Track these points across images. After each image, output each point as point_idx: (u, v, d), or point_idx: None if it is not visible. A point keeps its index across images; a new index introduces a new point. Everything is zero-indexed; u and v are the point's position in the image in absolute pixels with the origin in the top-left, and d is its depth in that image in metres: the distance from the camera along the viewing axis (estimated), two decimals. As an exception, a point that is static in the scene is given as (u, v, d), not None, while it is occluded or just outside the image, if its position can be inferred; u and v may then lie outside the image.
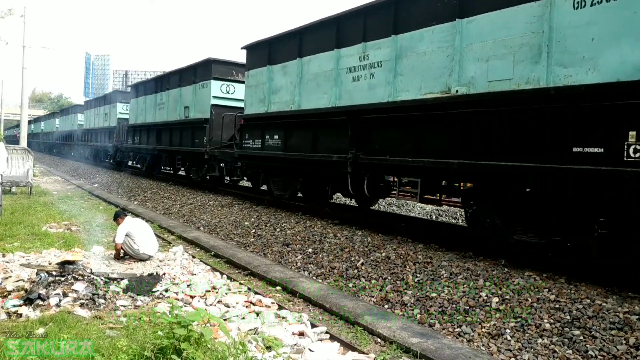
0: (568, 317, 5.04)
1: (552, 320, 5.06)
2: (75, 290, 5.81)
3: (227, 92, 16.32)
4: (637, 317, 4.78)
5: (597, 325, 4.81)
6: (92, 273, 6.50)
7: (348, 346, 4.95)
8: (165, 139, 19.85)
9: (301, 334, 5.13)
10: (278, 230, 10.04)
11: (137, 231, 7.93)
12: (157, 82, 21.04)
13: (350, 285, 6.92)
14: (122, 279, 6.60)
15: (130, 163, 26.70)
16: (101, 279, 6.39)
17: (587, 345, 4.59)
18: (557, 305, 5.27)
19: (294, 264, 8.14)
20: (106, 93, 35.10)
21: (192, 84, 17.48)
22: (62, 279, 6.10)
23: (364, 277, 7.06)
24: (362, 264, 7.46)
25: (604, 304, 5.12)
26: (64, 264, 6.50)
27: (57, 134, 47.60)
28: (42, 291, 5.62)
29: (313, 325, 5.42)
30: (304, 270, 7.80)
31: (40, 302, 5.45)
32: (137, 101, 23.24)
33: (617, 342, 4.54)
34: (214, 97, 16.22)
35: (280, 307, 6.05)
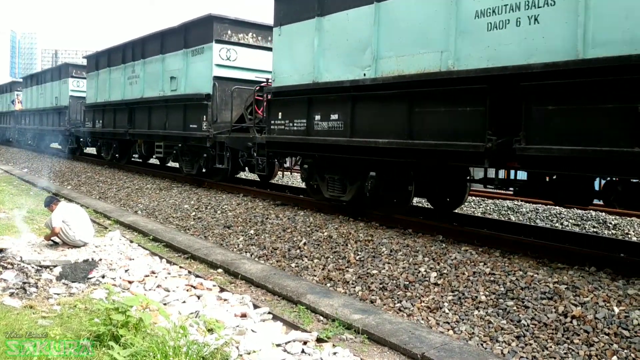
0: (502, 289, 5.24)
1: (487, 293, 5.24)
2: (4, 280, 5.55)
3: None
4: (566, 286, 5.03)
5: (529, 296, 5.03)
6: (22, 261, 6.22)
7: (291, 325, 4.97)
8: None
9: (243, 316, 5.11)
10: (219, 212, 9.91)
11: (72, 217, 7.60)
12: None
13: (293, 265, 6.94)
14: (55, 266, 6.34)
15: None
16: (32, 267, 6.12)
17: (520, 315, 4.79)
18: (492, 278, 5.47)
19: (236, 246, 8.07)
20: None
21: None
22: (-10, 268, 5.81)
23: (306, 256, 7.08)
24: (305, 243, 7.48)
25: (536, 275, 5.35)
26: (-9, 252, 6.19)
27: None
28: (-32, 281, 5.34)
29: (255, 307, 5.41)
30: (246, 252, 7.75)
31: (-34, 293, 5.17)
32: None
33: (547, 311, 4.76)
34: None
35: (222, 290, 5.99)
